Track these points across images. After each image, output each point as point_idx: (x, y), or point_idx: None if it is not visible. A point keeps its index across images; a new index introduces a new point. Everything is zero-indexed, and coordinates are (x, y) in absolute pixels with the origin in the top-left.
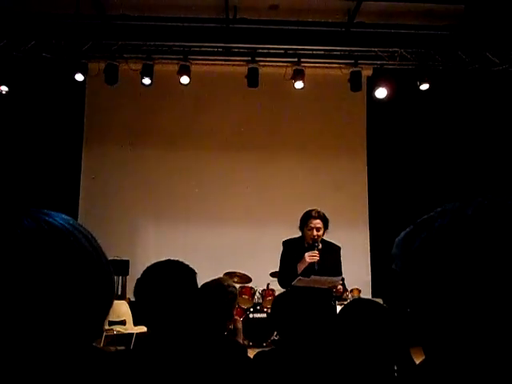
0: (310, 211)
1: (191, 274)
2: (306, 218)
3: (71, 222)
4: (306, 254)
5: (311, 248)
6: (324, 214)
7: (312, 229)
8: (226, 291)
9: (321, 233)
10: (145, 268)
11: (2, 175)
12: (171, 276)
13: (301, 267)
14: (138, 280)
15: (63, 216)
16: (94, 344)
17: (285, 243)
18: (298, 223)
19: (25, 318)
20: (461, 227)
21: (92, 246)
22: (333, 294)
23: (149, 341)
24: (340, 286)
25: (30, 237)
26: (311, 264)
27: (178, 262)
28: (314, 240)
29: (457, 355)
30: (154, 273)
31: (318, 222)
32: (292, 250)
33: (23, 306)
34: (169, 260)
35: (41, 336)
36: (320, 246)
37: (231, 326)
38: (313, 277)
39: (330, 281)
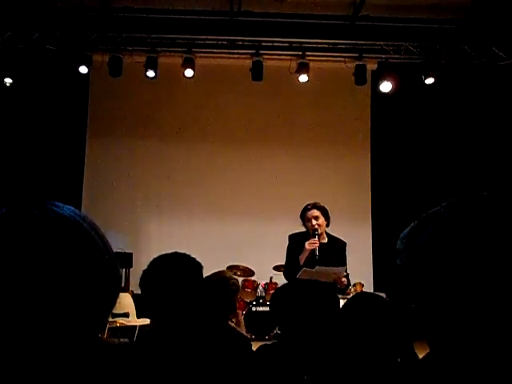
0: (306, 205)
1: (198, 266)
2: (303, 213)
3: (78, 213)
4: (306, 243)
5: (312, 237)
6: (320, 204)
7: (310, 220)
8: (228, 284)
9: (320, 221)
10: (148, 260)
11: (5, 167)
12: (178, 268)
13: (302, 258)
14: (145, 271)
15: (70, 207)
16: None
17: (290, 237)
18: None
19: (31, 308)
20: (467, 220)
21: (99, 237)
22: (337, 287)
23: (152, 333)
24: (344, 279)
25: (37, 226)
26: (312, 252)
27: (184, 254)
28: (314, 230)
29: (462, 350)
30: (161, 264)
31: (313, 212)
32: (297, 244)
33: (29, 296)
34: (176, 252)
35: (47, 326)
36: (326, 240)
37: (234, 320)
38: (317, 267)
39: (335, 271)
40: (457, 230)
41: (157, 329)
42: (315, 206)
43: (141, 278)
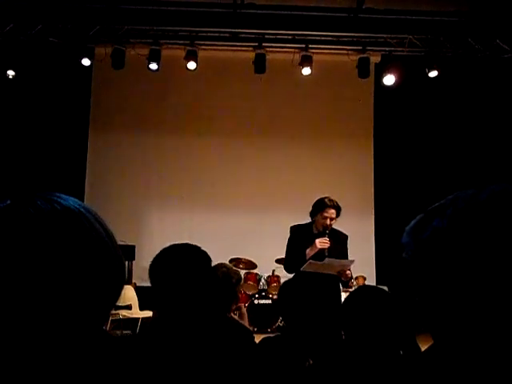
0: (324, 199)
1: (208, 259)
2: (322, 206)
3: (83, 205)
4: (317, 240)
5: (321, 235)
6: (338, 203)
7: (326, 218)
8: (231, 275)
9: (333, 222)
10: (150, 253)
11: (8, 159)
12: (189, 260)
13: (310, 253)
14: (155, 260)
15: (75, 199)
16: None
17: (292, 229)
18: (303, 209)
19: (36, 299)
20: (474, 214)
21: (104, 229)
22: (341, 279)
23: (155, 324)
24: (349, 271)
25: (43, 217)
26: (321, 250)
27: (195, 246)
28: (325, 228)
29: (467, 342)
30: (172, 255)
31: (333, 212)
32: (300, 236)
33: (35, 287)
34: (187, 244)
35: (51, 317)
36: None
37: (237, 312)
38: (327, 259)
39: (343, 264)
40: (463, 224)
41: (160, 320)
42: (335, 205)
43: (150, 267)
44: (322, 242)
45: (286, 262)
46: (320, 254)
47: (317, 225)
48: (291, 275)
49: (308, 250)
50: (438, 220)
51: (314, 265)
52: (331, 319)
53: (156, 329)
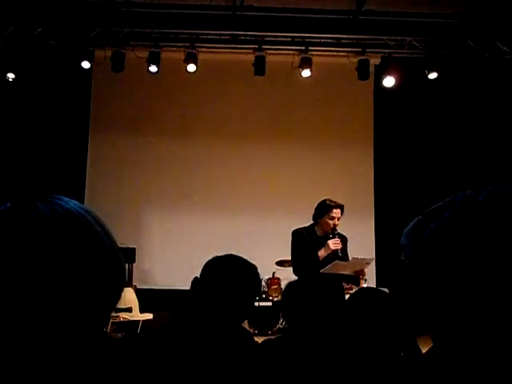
0: (326, 201)
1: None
2: (327, 208)
3: (84, 207)
4: (330, 242)
5: (328, 237)
6: (340, 202)
7: (334, 218)
8: None
9: (339, 222)
10: (151, 255)
11: (8, 161)
12: (244, 275)
13: (323, 254)
14: (212, 266)
15: (75, 201)
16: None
17: (296, 232)
18: (303, 211)
19: (37, 302)
20: (472, 216)
21: (104, 231)
22: (351, 280)
23: (164, 328)
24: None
25: (44, 220)
26: (334, 251)
27: (253, 266)
28: (334, 228)
29: (466, 344)
30: (231, 265)
31: (338, 212)
32: (305, 239)
33: (36, 290)
34: (249, 263)
35: (52, 319)
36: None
37: None
38: (352, 258)
39: (363, 261)
40: (461, 225)
41: (169, 325)
42: (340, 205)
43: (206, 267)
44: (335, 243)
45: (297, 266)
46: (334, 255)
47: (323, 226)
48: (291, 277)
49: (321, 252)
50: (435, 222)
51: (339, 265)
52: (335, 321)
53: (158, 333)
